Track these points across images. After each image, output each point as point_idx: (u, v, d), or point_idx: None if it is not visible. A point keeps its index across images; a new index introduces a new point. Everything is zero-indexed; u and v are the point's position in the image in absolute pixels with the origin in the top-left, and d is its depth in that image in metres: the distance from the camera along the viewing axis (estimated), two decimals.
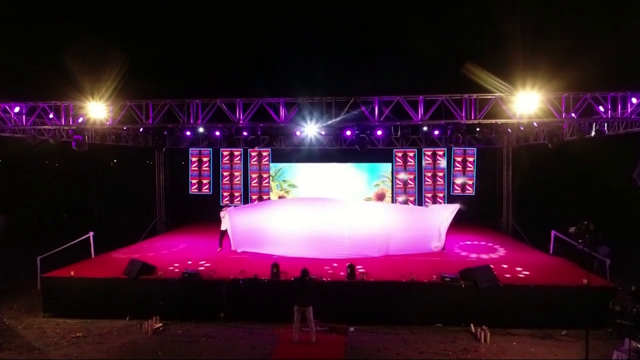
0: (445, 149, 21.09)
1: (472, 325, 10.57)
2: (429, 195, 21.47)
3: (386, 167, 21.72)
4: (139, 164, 26.80)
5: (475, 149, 20.97)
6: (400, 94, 12.41)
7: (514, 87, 12.03)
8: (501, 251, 15.21)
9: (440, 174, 21.42)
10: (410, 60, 20.44)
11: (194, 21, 22.69)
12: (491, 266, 11.74)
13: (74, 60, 16.31)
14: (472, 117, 12.30)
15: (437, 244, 14.69)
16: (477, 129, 14.12)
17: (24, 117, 13.42)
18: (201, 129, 16.25)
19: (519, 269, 12.47)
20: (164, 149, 19.62)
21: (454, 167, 21.30)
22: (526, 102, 11.86)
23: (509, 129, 16.00)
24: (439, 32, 20.40)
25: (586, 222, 8.36)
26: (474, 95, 12.19)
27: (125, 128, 16.56)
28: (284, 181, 22.16)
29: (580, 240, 8.76)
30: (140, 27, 20.46)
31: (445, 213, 14.66)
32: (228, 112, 12.90)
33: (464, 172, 21.23)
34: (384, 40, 22.35)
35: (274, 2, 22.24)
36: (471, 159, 21.20)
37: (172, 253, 14.94)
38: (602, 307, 10.18)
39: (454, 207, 14.72)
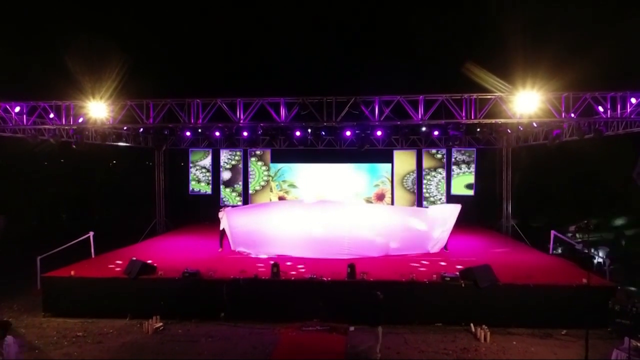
0: (445, 149, 21.10)
1: (472, 324, 10.60)
2: (429, 195, 21.46)
3: (386, 168, 21.74)
4: (138, 165, 26.76)
5: (474, 149, 20.98)
6: (401, 94, 12.44)
7: (514, 87, 12.06)
8: (501, 251, 15.22)
9: (440, 175, 21.40)
10: (410, 60, 20.46)
11: (194, 20, 22.72)
12: (490, 266, 11.75)
13: (74, 59, 16.34)
14: (472, 117, 12.33)
15: (436, 244, 14.71)
16: (477, 129, 14.13)
17: (24, 116, 13.43)
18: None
19: (518, 268, 12.46)
20: (164, 147, 19.60)
21: (453, 168, 21.29)
22: (526, 102, 11.90)
23: (508, 129, 16.03)
24: (439, 32, 20.41)
25: (586, 221, 8.42)
26: (474, 95, 12.22)
27: (125, 128, 16.57)
28: (283, 181, 22.15)
29: (580, 240, 8.80)
30: (141, 27, 20.48)
31: (446, 213, 14.67)
32: (229, 112, 12.92)
33: (463, 172, 21.21)
34: (384, 39, 22.37)
35: (275, 1, 22.28)
36: (471, 160, 21.18)
37: (172, 253, 14.93)
38: (601, 306, 10.18)
39: (455, 207, 14.72)
